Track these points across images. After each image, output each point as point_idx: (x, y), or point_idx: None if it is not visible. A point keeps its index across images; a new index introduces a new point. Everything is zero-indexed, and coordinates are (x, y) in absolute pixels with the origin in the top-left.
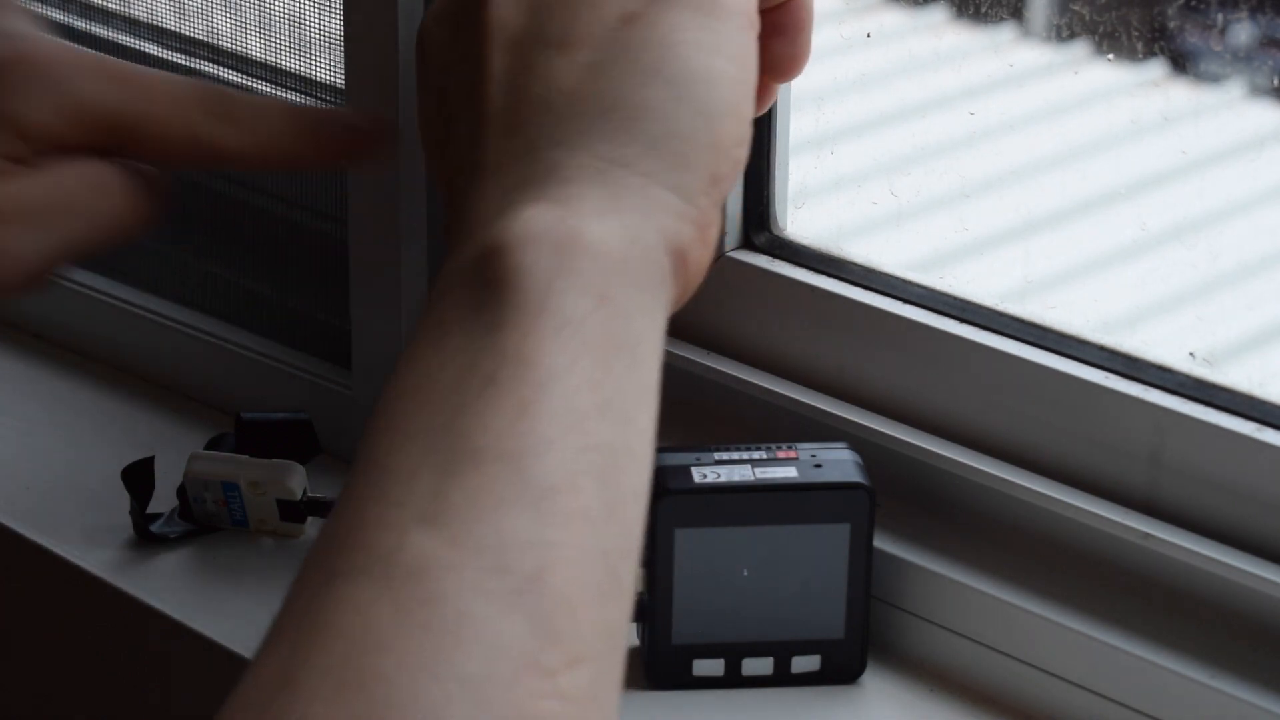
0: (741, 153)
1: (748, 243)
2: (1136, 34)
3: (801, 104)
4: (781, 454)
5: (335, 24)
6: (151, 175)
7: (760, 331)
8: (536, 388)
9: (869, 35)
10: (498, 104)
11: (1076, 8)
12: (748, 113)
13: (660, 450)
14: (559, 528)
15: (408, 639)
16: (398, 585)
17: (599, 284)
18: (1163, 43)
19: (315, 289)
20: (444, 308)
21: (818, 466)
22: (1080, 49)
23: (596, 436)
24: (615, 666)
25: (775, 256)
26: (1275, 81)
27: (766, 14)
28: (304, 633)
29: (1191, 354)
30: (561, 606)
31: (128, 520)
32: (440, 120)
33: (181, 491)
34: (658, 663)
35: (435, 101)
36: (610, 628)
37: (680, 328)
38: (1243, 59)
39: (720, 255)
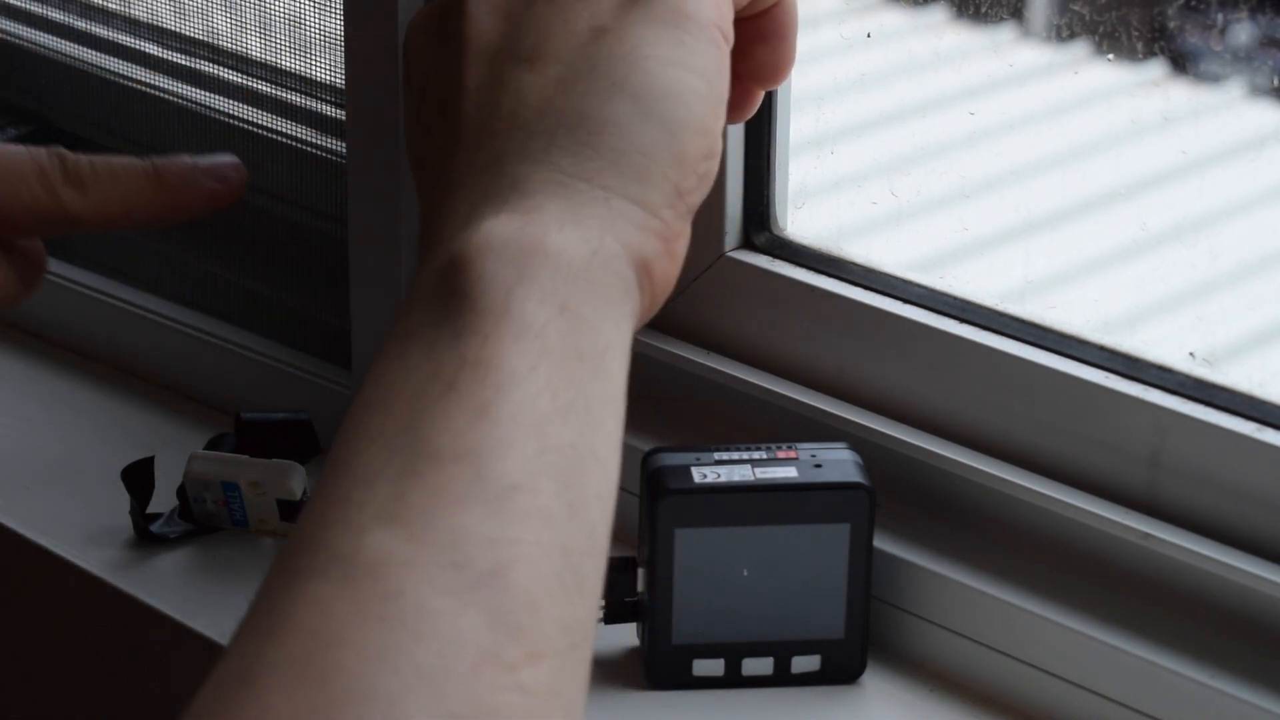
0: (709, 166)
1: (748, 243)
2: (1136, 34)
3: (801, 104)
4: (781, 454)
5: (335, 24)
6: (22, 248)
7: (760, 331)
8: (496, 391)
9: (869, 35)
10: (470, 118)
11: (1076, 8)
12: (716, 127)
13: (660, 450)
14: (518, 526)
15: (366, 633)
16: (357, 582)
17: (559, 292)
18: (1163, 43)
19: (315, 289)
20: (409, 319)
21: (818, 466)
22: (1080, 49)
23: (557, 439)
24: (579, 662)
25: (775, 256)
26: (1275, 81)
27: (751, 20)
28: (265, 629)
29: (1191, 354)
30: (521, 602)
31: (128, 520)
32: (420, 130)
33: (181, 491)
34: (658, 663)
35: (416, 110)
36: (573, 624)
37: (680, 328)
38: (1243, 59)
39: (720, 255)
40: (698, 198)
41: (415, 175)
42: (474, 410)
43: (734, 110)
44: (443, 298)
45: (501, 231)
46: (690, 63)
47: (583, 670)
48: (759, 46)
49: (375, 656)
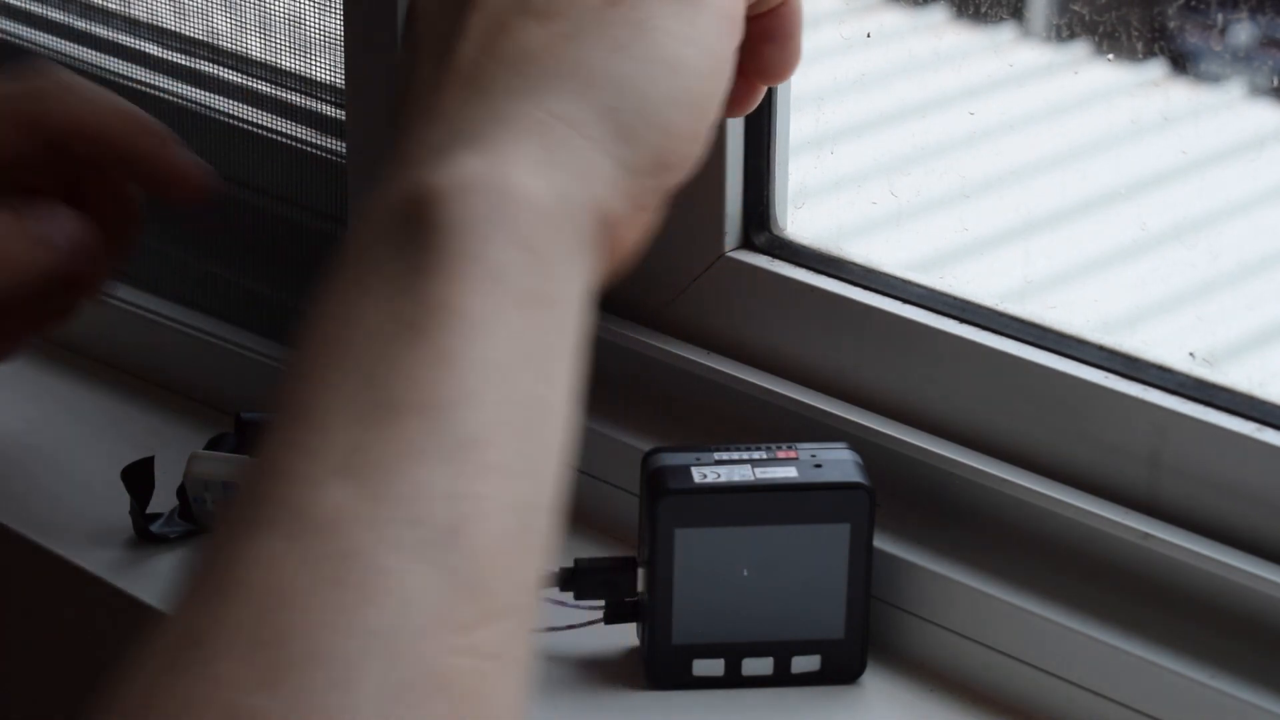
0: (696, 148)
1: (748, 243)
2: (1136, 34)
3: (801, 104)
4: (781, 454)
5: (335, 24)
6: (122, 221)
7: (760, 331)
8: (459, 337)
9: (869, 35)
10: (465, 59)
11: (1076, 8)
12: (710, 109)
13: (660, 450)
14: (479, 480)
15: (319, 594)
16: (309, 539)
17: (527, 237)
18: (1163, 43)
19: (315, 289)
20: (369, 248)
21: (818, 466)
22: (1080, 49)
23: (517, 390)
24: (530, 622)
25: (775, 256)
26: (1275, 81)
27: (758, 19)
28: (215, 588)
29: (1191, 354)
30: (479, 561)
31: (128, 520)
32: (411, 80)
33: (181, 491)
34: (658, 663)
35: (411, 61)
36: (525, 583)
37: (680, 328)
38: (1243, 59)
39: (720, 255)
40: (676, 176)
41: (397, 122)
42: (436, 357)
43: (737, 104)
44: (408, 233)
45: (475, 168)
46: (699, 41)
47: (530, 633)
48: (766, 45)
49: (329, 620)
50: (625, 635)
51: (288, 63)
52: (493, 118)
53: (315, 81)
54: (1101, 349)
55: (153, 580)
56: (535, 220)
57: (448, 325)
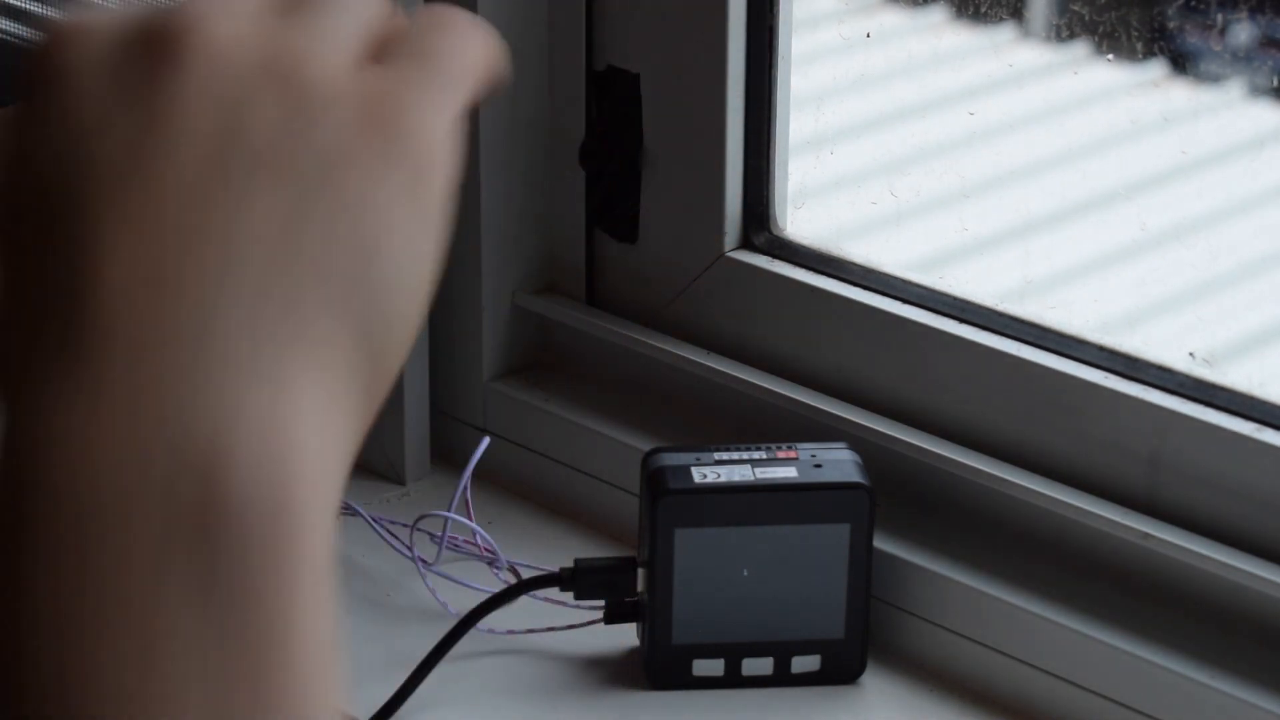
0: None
1: (747, 243)
2: (1136, 34)
3: (801, 104)
4: (781, 454)
5: None
6: None
7: (760, 331)
8: (313, 699)
9: (869, 35)
10: (171, 198)
11: (1076, 8)
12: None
13: (660, 450)
14: None
15: None
16: None
17: (324, 509)
18: (1163, 43)
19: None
20: (140, 521)
21: (818, 466)
22: (1080, 49)
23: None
24: None
25: (774, 256)
26: (1275, 81)
27: None
28: None
29: (1191, 354)
30: None
31: None
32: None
33: None
34: (658, 663)
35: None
36: None
37: (680, 328)
38: (1243, 59)
39: (720, 255)
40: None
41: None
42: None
43: None
44: (206, 531)
45: (266, 424)
46: (429, 251)
47: None
48: None
49: None
50: (625, 635)
51: None
52: (264, 330)
53: None
54: (1101, 349)
55: None
56: (326, 483)
57: (300, 687)
